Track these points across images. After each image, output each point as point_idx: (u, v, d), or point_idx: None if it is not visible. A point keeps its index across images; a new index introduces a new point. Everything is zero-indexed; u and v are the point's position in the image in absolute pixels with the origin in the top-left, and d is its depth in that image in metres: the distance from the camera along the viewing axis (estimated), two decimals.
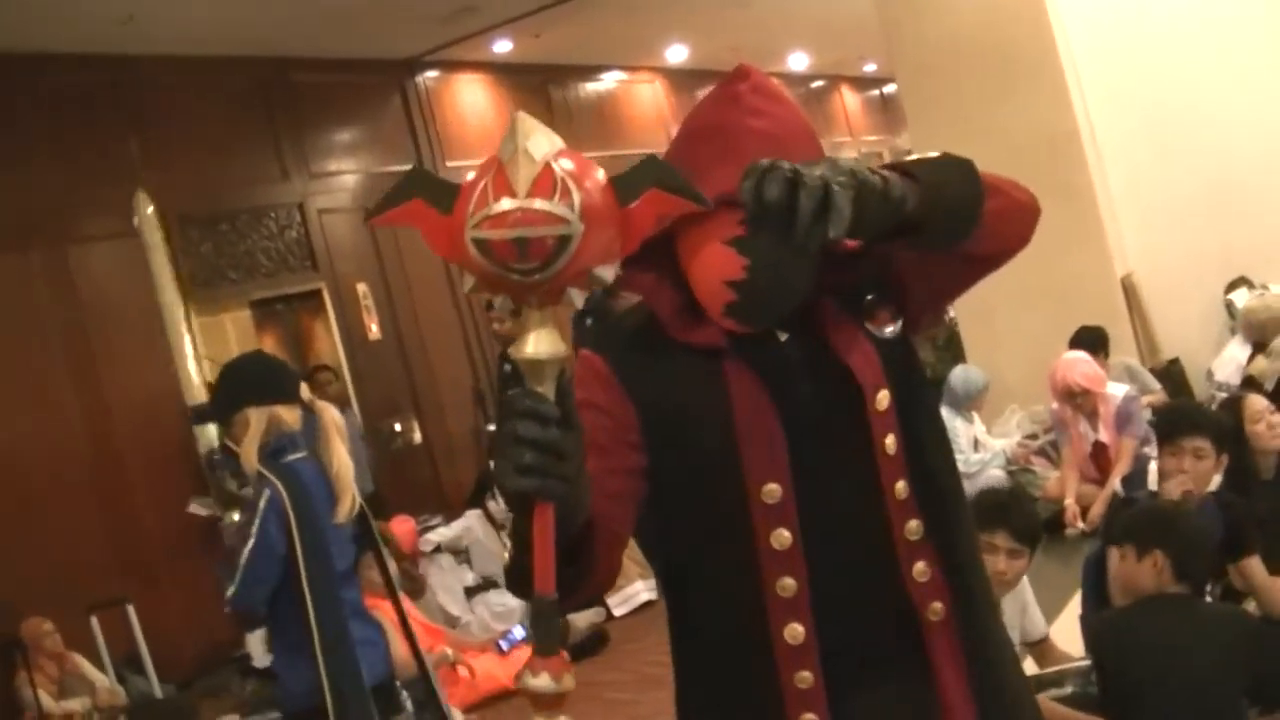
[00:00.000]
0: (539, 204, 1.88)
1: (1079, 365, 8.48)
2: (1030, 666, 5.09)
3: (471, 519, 9.78)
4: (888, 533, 2.38)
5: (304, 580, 4.84)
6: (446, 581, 9.35)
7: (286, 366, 5.44)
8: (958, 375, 9.50)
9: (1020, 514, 4.79)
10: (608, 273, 1.97)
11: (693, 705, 2.50)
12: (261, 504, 4.78)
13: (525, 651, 8.03)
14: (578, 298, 1.96)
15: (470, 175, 1.96)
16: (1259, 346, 8.71)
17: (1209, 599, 4.78)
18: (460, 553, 9.58)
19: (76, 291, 9.77)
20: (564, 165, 1.90)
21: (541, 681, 1.92)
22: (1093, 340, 8.92)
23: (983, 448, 9.35)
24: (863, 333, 2.41)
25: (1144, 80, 9.99)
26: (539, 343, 1.92)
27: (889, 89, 21.96)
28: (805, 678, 2.32)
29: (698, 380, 2.39)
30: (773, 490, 2.33)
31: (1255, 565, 5.04)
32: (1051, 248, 9.46)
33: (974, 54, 10.00)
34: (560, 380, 1.94)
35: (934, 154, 2.18)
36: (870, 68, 21.23)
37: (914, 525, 2.38)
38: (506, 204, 1.88)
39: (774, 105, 2.45)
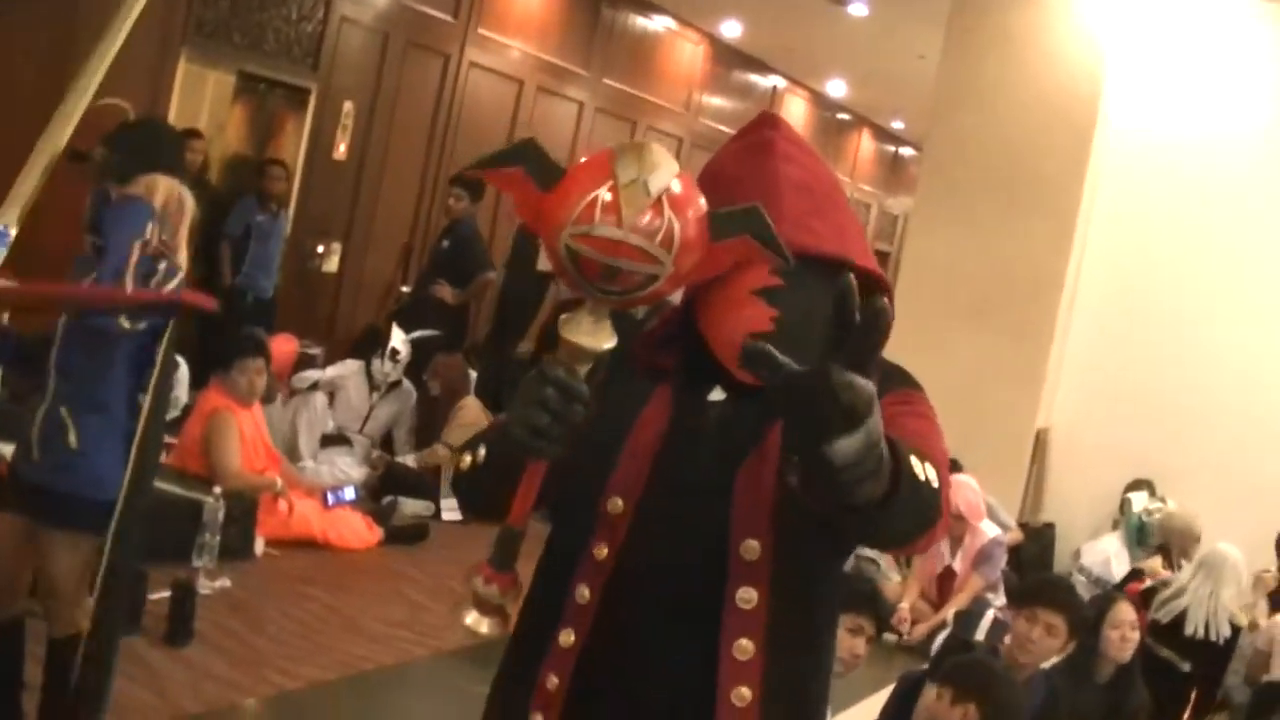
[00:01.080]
0: (641, 242, 1.96)
1: (965, 491, 8.53)
2: None
3: (352, 369, 9.70)
4: (710, 653, 2.33)
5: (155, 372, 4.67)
6: (310, 420, 9.29)
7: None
8: None
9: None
10: (675, 297, 2.12)
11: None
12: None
13: (347, 512, 8.08)
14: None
15: (583, 158, 2.02)
16: (1163, 551, 8.79)
17: None
18: (330, 396, 9.52)
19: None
20: (673, 196, 1.97)
21: (490, 591, 2.18)
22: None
23: None
24: (782, 469, 2.32)
25: (1146, 250, 10.04)
26: (591, 334, 2.02)
27: (905, 151, 22.03)
28: (553, 680, 2.37)
29: (630, 390, 2.43)
30: (616, 504, 2.36)
31: None
32: (989, 376, 9.67)
33: (1003, 173, 10.01)
34: (596, 366, 2.06)
35: (924, 473, 2.04)
36: (898, 124, 21.25)
37: (745, 644, 2.33)
38: (610, 231, 1.96)
39: (806, 156, 2.44)
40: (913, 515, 2.05)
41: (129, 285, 4.35)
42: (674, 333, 2.43)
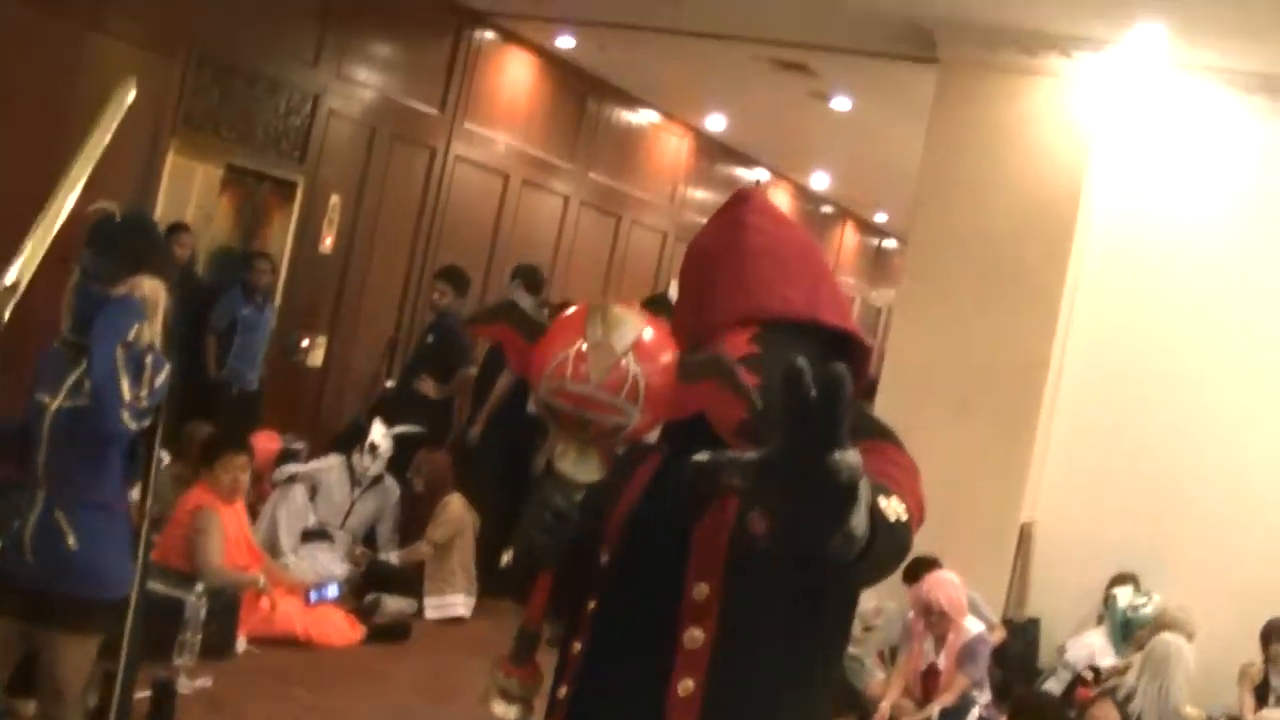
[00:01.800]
0: (606, 397, 2.25)
1: (948, 587, 8.49)
2: None
3: (334, 463, 9.68)
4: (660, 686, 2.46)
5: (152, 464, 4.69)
6: (290, 513, 9.26)
7: None
8: None
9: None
10: (651, 437, 2.41)
11: None
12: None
13: (330, 609, 8.05)
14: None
15: (570, 310, 2.36)
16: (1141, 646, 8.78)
17: None
18: (312, 491, 9.49)
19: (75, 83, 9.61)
20: (643, 347, 2.26)
21: (511, 683, 2.53)
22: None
23: None
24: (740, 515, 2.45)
25: (1129, 342, 10.02)
26: (578, 467, 2.33)
27: (889, 243, 22.14)
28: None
29: (635, 453, 2.66)
30: (602, 559, 2.57)
31: None
32: (973, 468, 9.67)
33: (986, 264, 10.03)
34: (586, 491, 2.38)
35: (895, 512, 2.11)
36: (881, 217, 21.37)
37: (688, 683, 2.43)
38: (577, 388, 2.26)
39: (775, 225, 2.61)
40: (888, 559, 2.16)
41: (123, 385, 4.36)
42: None
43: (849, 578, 2.30)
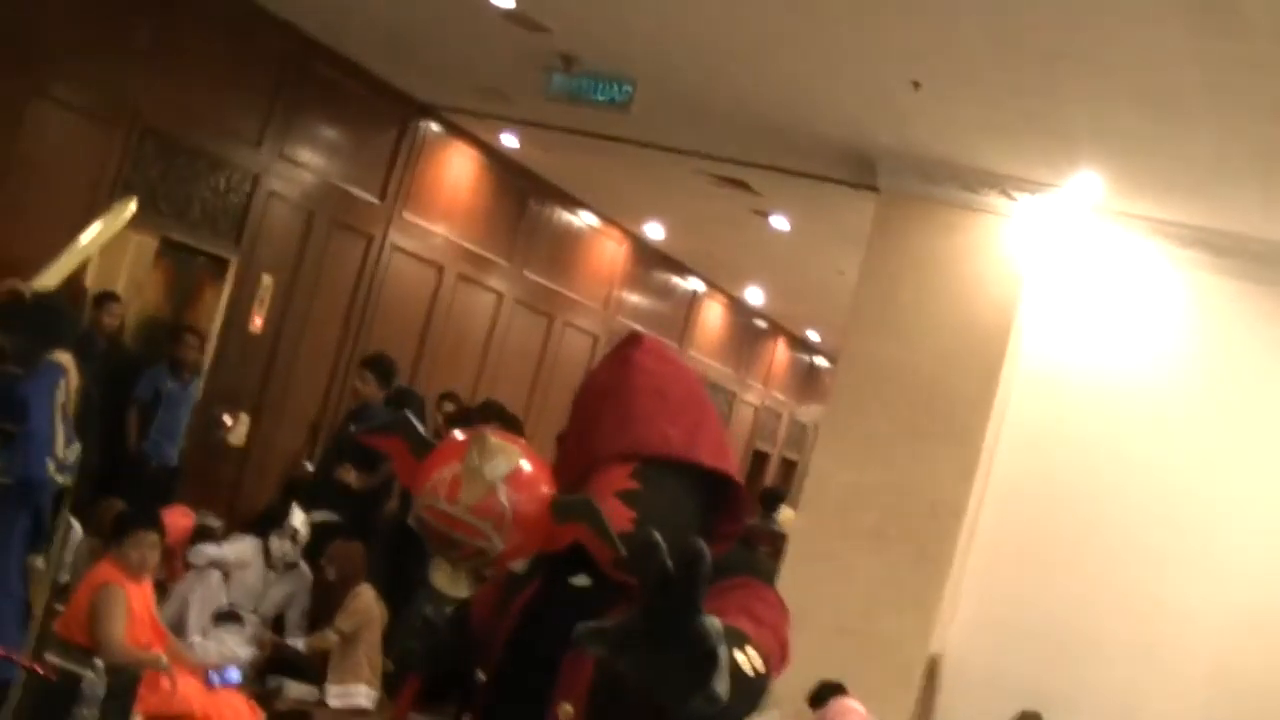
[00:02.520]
0: (473, 520, 2.39)
1: (854, 717, 8.48)
2: None
3: (249, 548, 9.57)
4: None
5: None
6: (203, 595, 9.16)
7: None
8: None
9: None
10: (518, 565, 2.50)
11: None
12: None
13: (231, 693, 7.93)
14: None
15: (457, 435, 2.52)
16: None
17: None
18: (227, 574, 9.39)
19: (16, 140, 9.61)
20: (518, 478, 2.41)
21: None
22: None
23: None
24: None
25: (1049, 484, 10.10)
26: (449, 583, 2.47)
27: (820, 361, 22.26)
28: None
29: (520, 576, 2.71)
30: (480, 676, 2.72)
31: None
32: (885, 599, 9.69)
33: (912, 396, 10.11)
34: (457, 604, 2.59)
35: (752, 665, 2.20)
36: (813, 335, 21.50)
37: None
38: (447, 508, 2.40)
39: (662, 365, 2.74)
40: (742, 712, 2.25)
41: (58, 438, 4.37)
42: None
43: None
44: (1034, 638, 9.94)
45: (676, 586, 1.79)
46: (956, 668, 10.24)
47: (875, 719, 8.79)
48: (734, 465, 2.72)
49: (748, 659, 2.18)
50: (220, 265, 11.53)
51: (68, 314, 5.20)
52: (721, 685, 1.83)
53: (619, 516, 2.47)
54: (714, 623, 1.81)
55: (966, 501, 10.05)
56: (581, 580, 2.60)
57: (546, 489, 2.46)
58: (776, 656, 2.38)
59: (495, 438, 2.46)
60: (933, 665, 10.17)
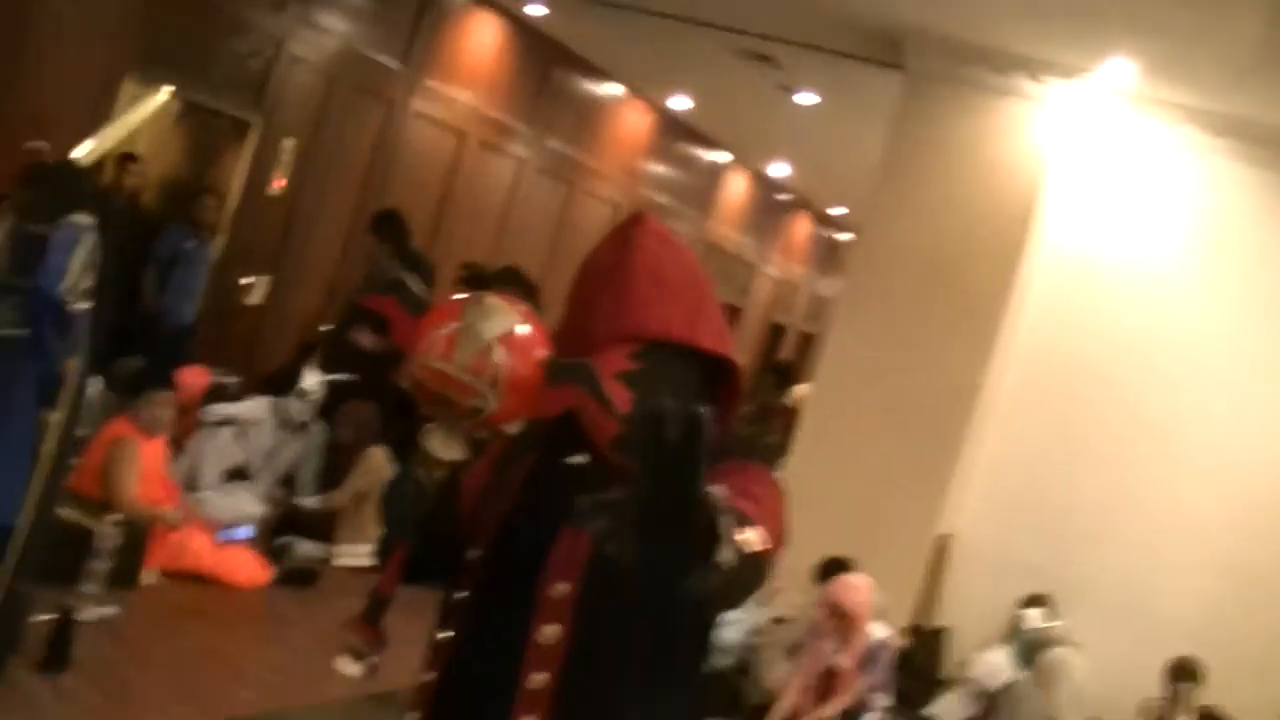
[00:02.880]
0: (467, 378, 2.39)
1: (857, 592, 8.52)
2: None
3: (264, 409, 9.68)
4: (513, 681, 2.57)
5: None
6: (215, 451, 9.27)
7: None
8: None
9: None
10: (511, 428, 2.55)
11: None
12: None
13: (240, 550, 8.06)
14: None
15: (457, 296, 2.53)
16: None
17: None
18: (239, 432, 9.49)
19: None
20: (513, 340, 2.41)
21: (357, 645, 2.70)
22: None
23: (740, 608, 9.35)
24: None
25: (1066, 367, 10.10)
26: (442, 446, 2.47)
27: (843, 236, 22.19)
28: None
29: (509, 452, 2.76)
30: (473, 553, 2.68)
31: None
32: (895, 476, 9.76)
33: (931, 277, 10.07)
34: (450, 471, 2.53)
35: (754, 547, 2.22)
36: (839, 210, 21.39)
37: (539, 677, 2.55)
38: (441, 365, 2.40)
39: (663, 248, 2.70)
40: (742, 589, 2.32)
41: (74, 265, 4.46)
42: None
43: (704, 606, 2.44)
44: (1045, 523, 9.98)
45: (678, 454, 1.86)
46: (965, 548, 10.29)
47: (881, 596, 8.89)
48: (733, 349, 2.71)
49: (748, 537, 2.18)
50: (241, 128, 11.53)
51: (88, 175, 5.25)
52: (724, 555, 1.92)
53: (618, 398, 2.45)
54: (716, 492, 1.89)
55: (982, 384, 10.04)
56: (578, 459, 2.58)
57: (542, 353, 2.45)
58: (775, 538, 2.38)
59: (494, 298, 2.47)
60: (942, 544, 10.23)
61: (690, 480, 1.88)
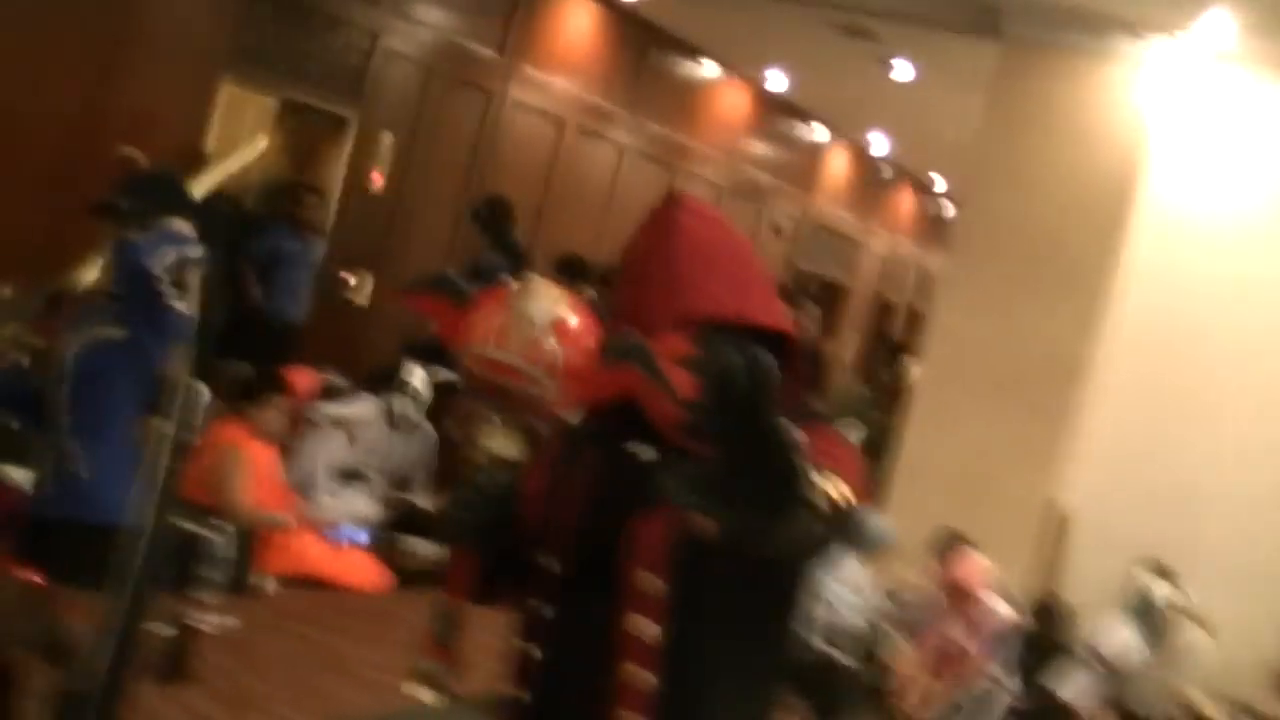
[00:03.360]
0: (524, 366, 2.33)
1: (976, 566, 8.39)
2: None
3: (370, 407, 9.60)
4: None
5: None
6: (326, 453, 9.21)
7: None
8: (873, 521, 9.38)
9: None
10: (572, 416, 2.51)
11: None
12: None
13: (358, 552, 8.03)
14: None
15: (504, 284, 2.43)
16: None
17: None
18: (349, 432, 9.44)
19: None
20: (565, 328, 2.35)
21: (430, 668, 2.66)
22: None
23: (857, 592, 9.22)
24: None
25: (1180, 331, 9.90)
26: (503, 444, 2.42)
27: (949, 207, 21.95)
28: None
29: (567, 448, 2.68)
30: (550, 562, 2.59)
31: None
32: (1006, 453, 9.61)
33: (1035, 249, 9.93)
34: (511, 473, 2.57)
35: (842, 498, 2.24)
36: (939, 184, 21.17)
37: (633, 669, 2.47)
38: (497, 354, 2.34)
39: (706, 227, 2.66)
40: (833, 541, 2.32)
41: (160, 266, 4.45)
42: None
43: (800, 558, 2.44)
44: (1160, 490, 9.80)
45: (750, 404, 1.91)
46: (1082, 521, 10.14)
47: (999, 572, 8.75)
48: (787, 320, 2.64)
49: (835, 487, 2.20)
50: (339, 124, 11.53)
51: (180, 183, 5.22)
52: (813, 495, 1.99)
53: (678, 381, 2.33)
54: (792, 434, 1.94)
55: (1089, 354, 9.90)
56: (645, 452, 2.52)
57: (593, 340, 2.40)
58: (856, 493, 2.35)
59: (541, 284, 2.42)
60: (1058, 519, 10.08)
61: (767, 429, 1.92)
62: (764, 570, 2.44)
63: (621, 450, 2.53)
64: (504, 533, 2.63)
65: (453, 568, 2.71)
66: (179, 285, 4.58)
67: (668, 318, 2.49)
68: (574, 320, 2.39)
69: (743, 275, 2.62)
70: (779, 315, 2.63)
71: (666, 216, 2.65)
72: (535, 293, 2.38)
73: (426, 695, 2.64)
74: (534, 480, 2.67)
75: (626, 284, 2.66)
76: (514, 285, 2.41)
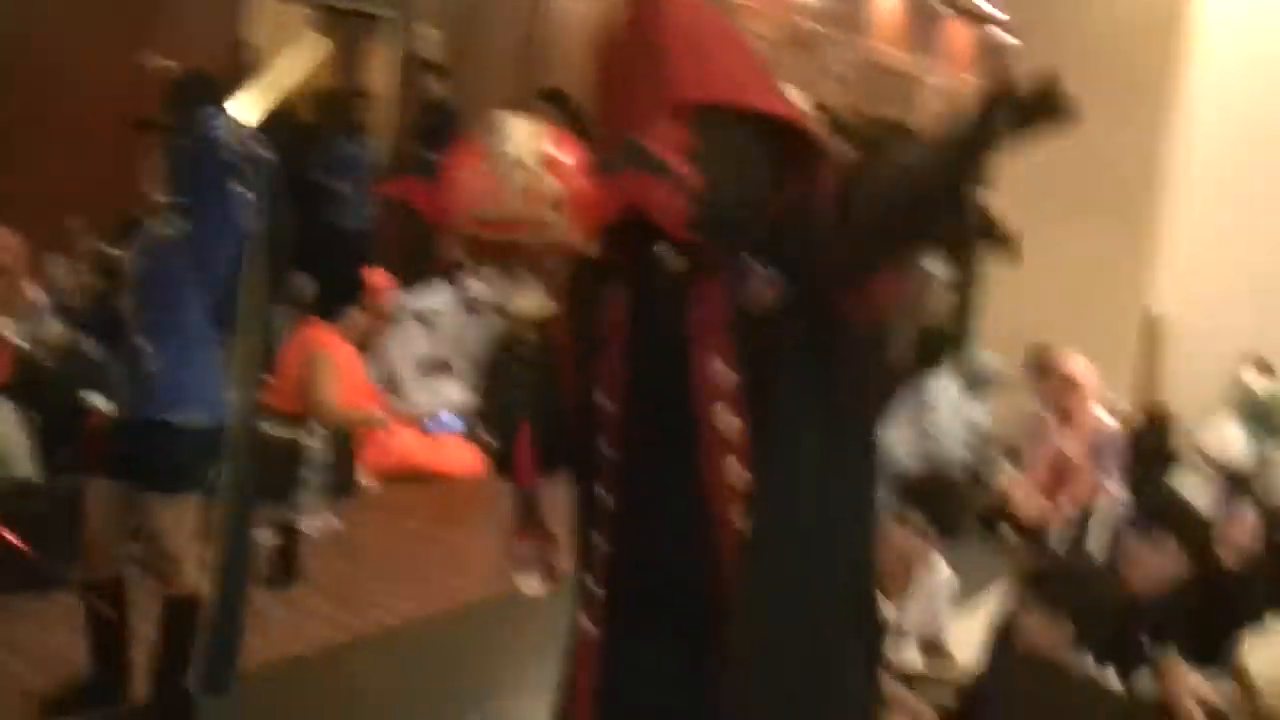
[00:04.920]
0: (529, 211, 2.14)
1: (1078, 362, 8.23)
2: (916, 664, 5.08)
3: (448, 297, 9.60)
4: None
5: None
6: (406, 344, 9.21)
7: None
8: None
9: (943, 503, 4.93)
10: (591, 249, 2.27)
11: None
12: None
13: (451, 439, 8.02)
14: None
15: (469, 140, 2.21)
16: None
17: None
18: (427, 323, 9.44)
19: None
20: (550, 158, 2.15)
21: (526, 551, 2.62)
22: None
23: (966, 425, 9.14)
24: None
25: (1255, 127, 9.76)
26: (530, 300, 2.33)
27: (1007, 38, 21.55)
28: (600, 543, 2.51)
29: (578, 293, 2.59)
30: (606, 406, 2.48)
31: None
32: (1095, 263, 9.49)
33: (1093, 55, 9.68)
34: (541, 327, 2.29)
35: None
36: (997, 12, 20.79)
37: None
38: (495, 212, 2.15)
39: (688, 7, 2.45)
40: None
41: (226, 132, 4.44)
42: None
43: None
44: (1253, 288, 9.70)
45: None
46: (1177, 326, 10.05)
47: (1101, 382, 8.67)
48: (790, 107, 2.45)
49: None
50: (385, 25, 11.44)
51: (219, 87, 5.18)
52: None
53: (683, 173, 2.24)
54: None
55: (1166, 157, 9.78)
56: (676, 261, 2.39)
57: (581, 157, 2.22)
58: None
59: (509, 119, 2.22)
60: (1152, 324, 9.98)
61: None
62: (829, 345, 2.36)
63: (648, 267, 2.42)
64: (550, 398, 2.56)
65: (515, 454, 2.63)
66: (244, 172, 4.52)
67: (658, 105, 2.32)
68: (558, 148, 2.20)
69: (736, 59, 2.44)
70: (777, 101, 2.44)
71: (647, 2, 2.47)
72: (509, 132, 2.18)
73: (534, 584, 2.61)
74: (558, 337, 2.60)
75: (608, 79, 2.49)
76: (483, 131, 2.22)
